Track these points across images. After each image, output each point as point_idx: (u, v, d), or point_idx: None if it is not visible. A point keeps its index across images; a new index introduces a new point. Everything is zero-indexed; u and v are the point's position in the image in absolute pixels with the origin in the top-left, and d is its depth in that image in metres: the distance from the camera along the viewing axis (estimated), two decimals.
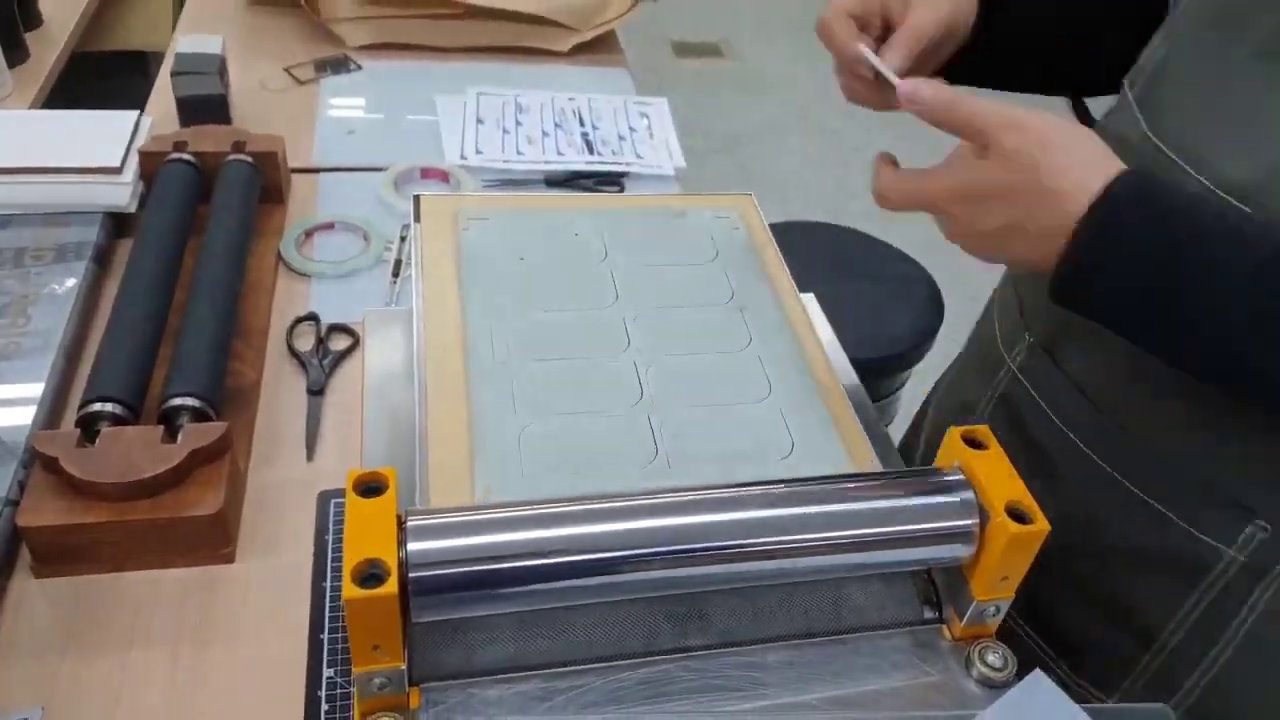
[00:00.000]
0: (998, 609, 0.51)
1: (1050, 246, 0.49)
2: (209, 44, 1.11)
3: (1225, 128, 0.52)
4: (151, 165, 0.92)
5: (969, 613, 0.51)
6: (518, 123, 1.18)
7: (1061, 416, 0.63)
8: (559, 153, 1.13)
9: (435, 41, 1.32)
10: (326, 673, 0.60)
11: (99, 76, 1.52)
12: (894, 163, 0.57)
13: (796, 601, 0.52)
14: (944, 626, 0.53)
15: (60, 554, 0.64)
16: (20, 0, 1.23)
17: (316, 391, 0.80)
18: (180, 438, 0.66)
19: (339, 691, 0.59)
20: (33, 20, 1.29)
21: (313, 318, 0.87)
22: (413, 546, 0.44)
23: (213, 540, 0.66)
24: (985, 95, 0.53)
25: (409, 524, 0.45)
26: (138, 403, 0.70)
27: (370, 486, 0.46)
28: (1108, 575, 0.63)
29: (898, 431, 0.96)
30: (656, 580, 0.47)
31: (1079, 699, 0.62)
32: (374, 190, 1.03)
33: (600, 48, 1.36)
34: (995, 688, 0.50)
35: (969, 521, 0.49)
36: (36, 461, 0.65)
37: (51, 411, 0.74)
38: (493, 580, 0.45)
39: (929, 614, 0.53)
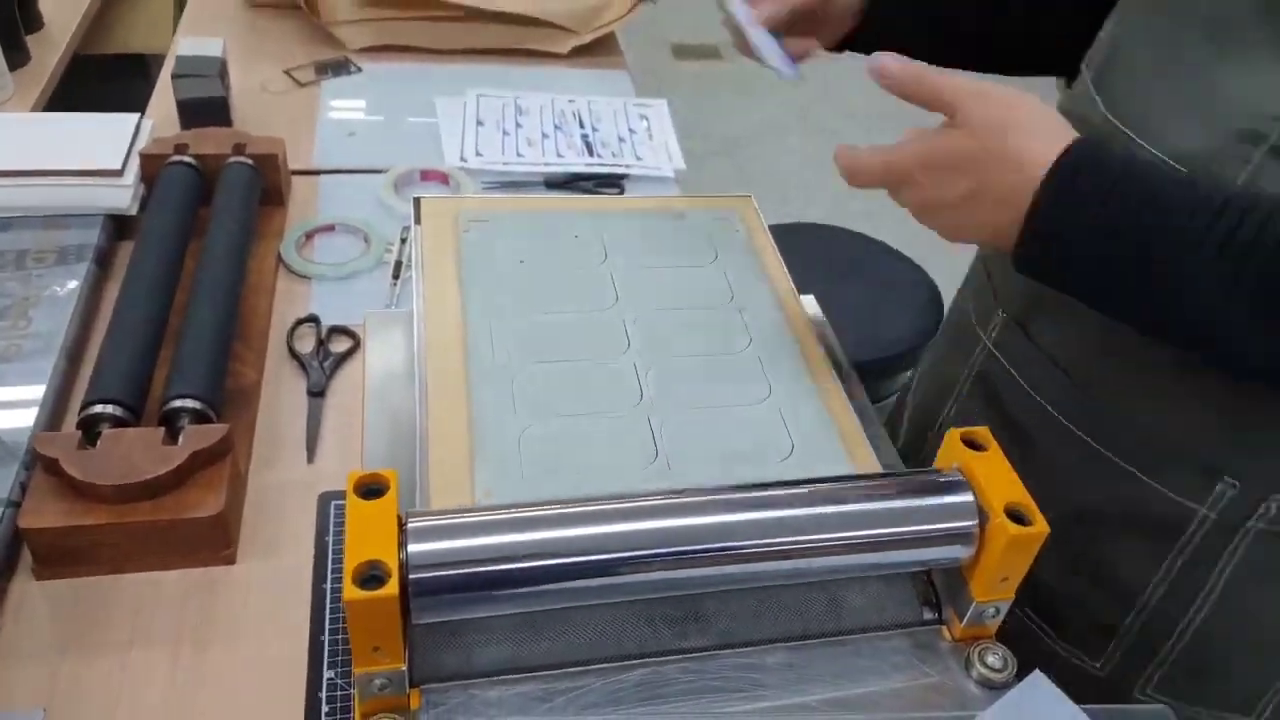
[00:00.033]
0: (997, 610, 0.52)
1: (1010, 215, 0.51)
2: (210, 46, 1.11)
3: (1178, 103, 0.54)
4: (152, 168, 0.92)
5: (969, 614, 0.51)
6: (518, 125, 1.18)
7: (1037, 389, 0.65)
8: (559, 155, 1.13)
9: (435, 44, 1.32)
10: (327, 674, 0.60)
11: (100, 79, 1.52)
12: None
13: (796, 603, 0.53)
14: (944, 627, 0.53)
15: (61, 555, 0.64)
16: (21, 3, 1.24)
17: (317, 393, 0.80)
18: (181, 439, 0.66)
19: (339, 693, 0.59)
20: (33, 23, 1.29)
21: (313, 319, 0.87)
22: (413, 548, 0.44)
23: (213, 542, 0.66)
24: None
25: (410, 525, 0.45)
26: (139, 404, 0.70)
27: (371, 488, 0.46)
28: (1088, 542, 0.64)
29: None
30: (656, 582, 0.48)
31: (1065, 665, 0.64)
32: (374, 192, 1.03)
33: (600, 50, 1.36)
34: (995, 689, 0.50)
35: (968, 523, 0.49)
36: (37, 463, 0.65)
37: (53, 413, 0.74)
38: (493, 582, 0.45)
39: (929, 615, 0.54)
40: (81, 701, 0.58)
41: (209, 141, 0.95)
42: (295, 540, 0.68)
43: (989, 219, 0.52)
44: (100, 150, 0.92)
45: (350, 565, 0.42)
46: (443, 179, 1.08)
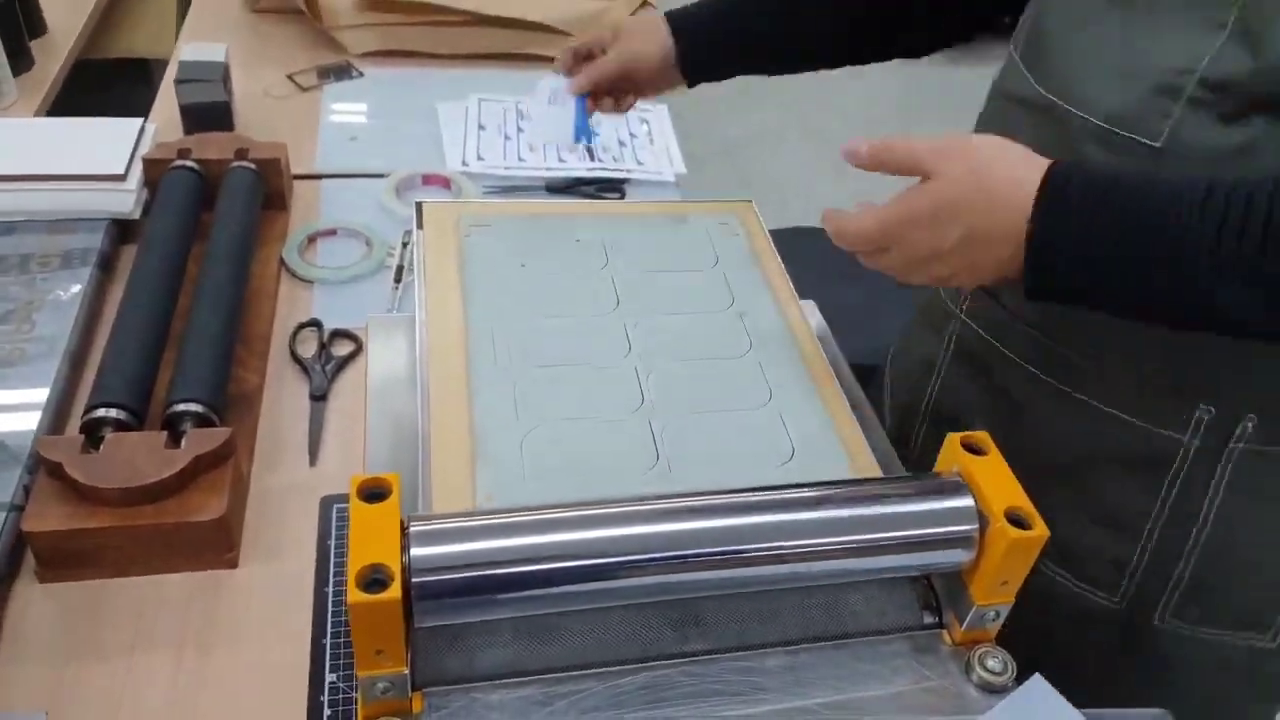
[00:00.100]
0: (997, 614, 0.52)
1: (1008, 249, 0.53)
2: (212, 52, 1.11)
3: (1099, 69, 0.58)
4: (155, 172, 0.93)
5: (969, 618, 0.51)
6: (519, 129, 1.18)
7: (1015, 351, 0.68)
8: (560, 159, 1.13)
9: (437, 49, 1.33)
10: (329, 677, 0.60)
11: (103, 84, 1.52)
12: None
13: (796, 606, 0.53)
14: (944, 631, 0.53)
15: (64, 559, 0.64)
16: (25, 8, 1.24)
17: (319, 397, 0.80)
18: (184, 443, 0.66)
19: (341, 696, 0.59)
20: (37, 28, 1.30)
21: (315, 324, 0.87)
22: (416, 552, 0.44)
23: (216, 545, 0.66)
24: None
25: (412, 529, 0.45)
26: (142, 408, 0.71)
27: (374, 492, 0.46)
28: (1088, 486, 0.67)
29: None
30: (657, 585, 0.48)
31: (1086, 604, 0.68)
32: (376, 196, 1.04)
33: None
34: (995, 692, 0.50)
35: (969, 527, 0.50)
36: (41, 467, 0.65)
37: (56, 417, 0.74)
38: (495, 585, 0.45)
39: (929, 619, 0.54)
40: (84, 704, 0.58)
41: (211, 146, 0.96)
42: (297, 544, 0.69)
43: (987, 257, 0.53)
44: (103, 155, 0.93)
45: (353, 569, 0.42)
46: (444, 183, 1.08)
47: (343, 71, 1.28)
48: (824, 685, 0.50)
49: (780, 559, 0.48)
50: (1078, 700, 0.62)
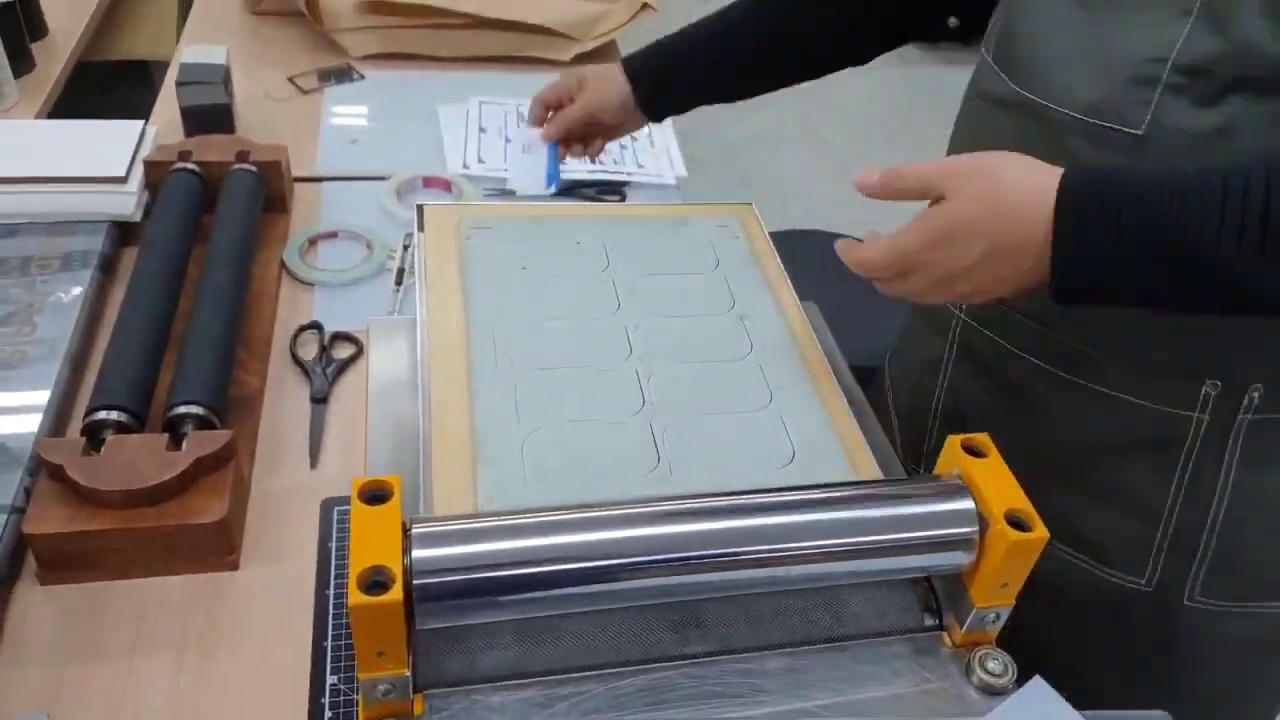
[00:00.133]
0: (998, 616, 0.52)
1: (1031, 260, 0.53)
2: (213, 54, 1.11)
3: (1074, 63, 0.60)
4: (156, 175, 0.93)
5: (969, 620, 0.51)
6: (520, 129, 1.18)
7: (1018, 345, 0.69)
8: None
9: (438, 51, 1.33)
10: (330, 680, 0.60)
11: (104, 86, 1.52)
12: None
13: (797, 608, 0.53)
14: (944, 633, 0.53)
15: (65, 561, 0.64)
16: (26, 10, 1.24)
17: (320, 400, 0.80)
18: (185, 445, 0.66)
19: (342, 698, 0.59)
20: (38, 30, 1.30)
21: (316, 326, 0.87)
22: (417, 554, 0.44)
23: (217, 547, 0.66)
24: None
25: (414, 531, 0.45)
26: (143, 411, 0.71)
27: (375, 494, 0.46)
28: (1105, 472, 0.68)
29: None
30: (658, 587, 0.48)
31: (1116, 591, 0.69)
32: (377, 199, 1.04)
33: (601, 57, 1.36)
34: (995, 694, 0.50)
35: (969, 529, 0.50)
36: (42, 469, 0.65)
37: (57, 419, 0.74)
38: (497, 587, 0.45)
39: (929, 621, 0.54)
40: (85, 706, 0.58)
41: (212, 148, 0.96)
42: (298, 546, 0.69)
43: (1010, 269, 0.54)
44: (105, 157, 0.93)
45: (355, 571, 0.42)
46: (445, 186, 1.09)
47: (343, 74, 1.28)
48: (824, 687, 0.50)
49: (781, 561, 0.49)
50: (1111, 693, 0.62)
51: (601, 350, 0.64)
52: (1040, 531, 0.48)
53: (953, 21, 3.27)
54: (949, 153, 0.73)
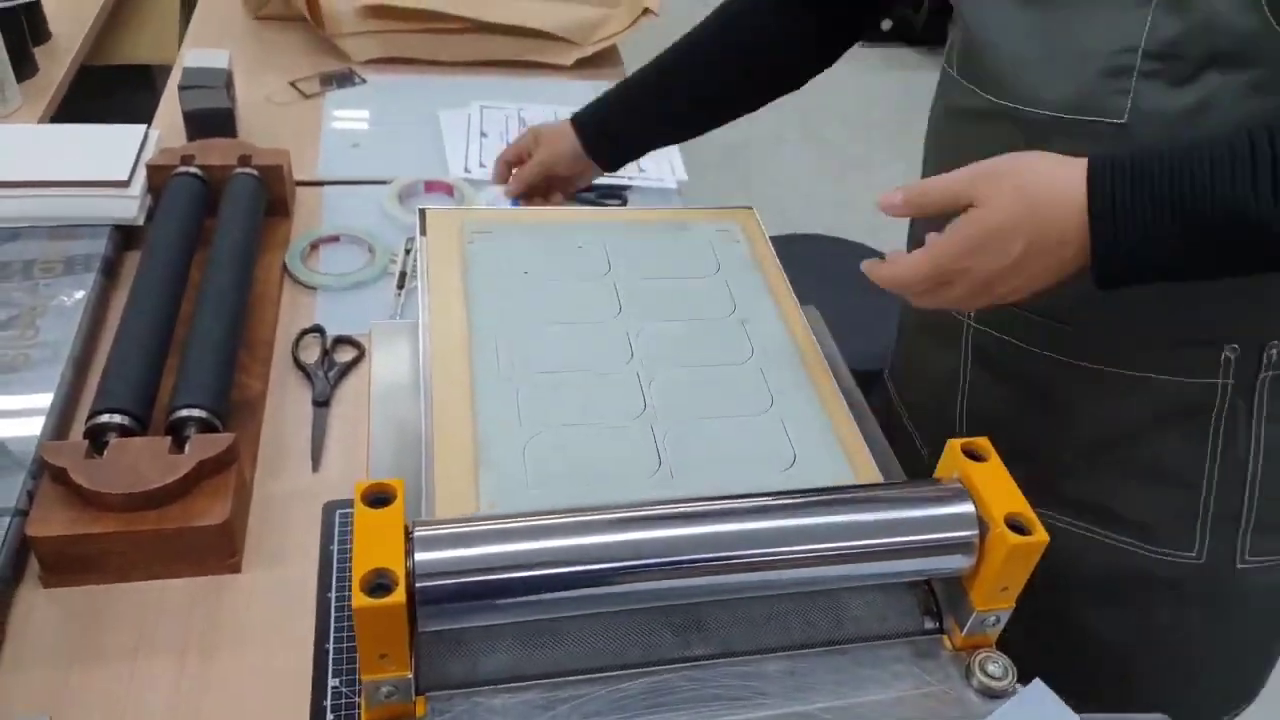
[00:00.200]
0: (998, 619, 0.52)
1: (1071, 249, 0.53)
2: (216, 58, 1.12)
3: (1044, 63, 0.61)
4: (159, 178, 0.93)
5: (969, 623, 0.51)
6: (521, 129, 1.18)
7: (1033, 344, 0.70)
8: None
9: (439, 56, 1.33)
10: (332, 682, 0.61)
11: (106, 91, 1.53)
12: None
13: (797, 611, 0.53)
14: (944, 636, 0.54)
15: (68, 564, 0.64)
16: (29, 15, 1.25)
17: (322, 403, 0.81)
18: (187, 448, 0.66)
19: (344, 701, 0.59)
20: (41, 35, 1.30)
21: (318, 330, 0.87)
22: (420, 556, 0.44)
23: (219, 550, 0.66)
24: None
25: (416, 534, 0.45)
26: (145, 414, 0.71)
27: (378, 497, 0.46)
28: (1137, 450, 0.69)
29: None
30: (659, 590, 0.48)
31: (1167, 572, 0.70)
32: (378, 203, 1.04)
33: (602, 62, 1.37)
34: (995, 697, 0.50)
35: (969, 533, 0.50)
36: (45, 472, 0.65)
37: (60, 422, 0.74)
38: (499, 590, 0.45)
39: (929, 624, 0.54)
40: (87, 708, 0.59)
41: (215, 152, 0.96)
42: (300, 549, 0.69)
43: (1053, 261, 0.54)
44: (107, 161, 0.93)
45: (358, 573, 0.43)
46: (447, 190, 1.09)
47: (345, 78, 1.28)
48: (824, 690, 0.50)
49: (781, 564, 0.49)
50: (1166, 679, 0.61)
51: (603, 354, 0.64)
52: (1040, 535, 0.48)
53: (886, 24, 3.31)
54: (925, 173, 0.74)
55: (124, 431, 0.68)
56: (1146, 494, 0.69)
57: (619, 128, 0.88)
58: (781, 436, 0.60)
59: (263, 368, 0.81)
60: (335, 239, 0.99)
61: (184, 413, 0.69)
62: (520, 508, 0.52)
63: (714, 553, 0.48)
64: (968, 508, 0.50)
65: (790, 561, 0.49)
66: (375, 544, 0.44)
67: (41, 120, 1.17)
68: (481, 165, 1.12)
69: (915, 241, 0.77)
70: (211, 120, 1.06)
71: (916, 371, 0.85)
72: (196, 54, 1.13)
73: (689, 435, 0.59)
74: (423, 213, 0.75)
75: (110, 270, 0.89)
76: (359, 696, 0.58)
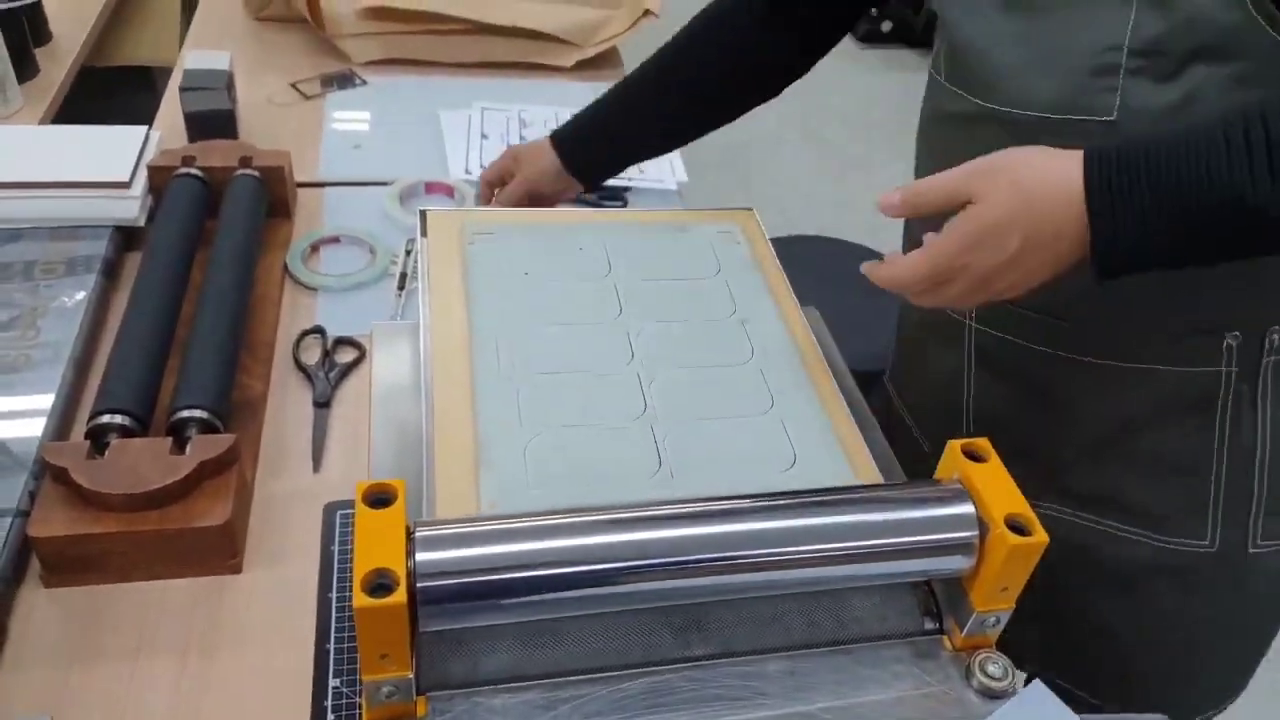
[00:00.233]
0: (998, 619, 0.52)
1: (1069, 242, 0.53)
2: (217, 60, 1.12)
3: (1033, 68, 0.61)
4: (160, 180, 0.93)
5: (969, 623, 0.52)
6: (521, 138, 1.19)
7: (1036, 342, 0.70)
8: None
9: (440, 57, 1.33)
10: (332, 682, 0.61)
11: (107, 92, 1.53)
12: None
13: (798, 611, 0.53)
14: (944, 637, 0.54)
15: (69, 564, 0.64)
16: (30, 17, 1.25)
17: (322, 404, 0.81)
18: (188, 449, 0.67)
19: (345, 701, 0.60)
20: (42, 36, 1.30)
21: (319, 331, 0.87)
22: (421, 557, 0.44)
23: (220, 551, 0.66)
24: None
25: (417, 534, 0.45)
26: (146, 414, 0.71)
27: (379, 497, 0.46)
28: (1146, 444, 0.69)
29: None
30: (660, 590, 0.48)
31: (1180, 561, 0.71)
32: (379, 204, 1.04)
33: (603, 63, 1.37)
34: (995, 698, 0.50)
35: (969, 534, 0.50)
36: (46, 472, 0.65)
37: (61, 423, 0.74)
38: (500, 590, 0.45)
39: (929, 624, 0.54)
40: (88, 708, 0.59)
41: (216, 154, 0.96)
42: (301, 550, 0.69)
43: (1050, 254, 0.54)
44: (108, 162, 0.93)
45: (359, 573, 0.43)
46: (447, 191, 1.09)
47: (346, 80, 1.28)
48: (825, 690, 0.50)
49: (782, 565, 0.49)
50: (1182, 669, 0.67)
51: (603, 355, 0.64)
52: (1040, 536, 0.48)
53: (886, 25, 3.32)
54: (917, 178, 0.74)
55: (125, 432, 0.69)
56: (1156, 485, 0.70)
57: (596, 145, 0.89)
58: (782, 437, 0.60)
59: (264, 368, 0.82)
60: (336, 240, 0.99)
61: (185, 413, 0.70)
62: (521, 508, 0.52)
63: (714, 553, 0.48)
64: (968, 508, 0.50)
65: (790, 562, 0.49)
66: (376, 544, 0.44)
67: (43, 121, 1.17)
68: (482, 166, 1.12)
69: (912, 242, 0.77)
70: (212, 121, 1.06)
71: (919, 373, 0.85)
72: (197, 55, 1.13)
73: (689, 436, 0.59)
74: (423, 214, 0.75)
75: (111, 271, 0.89)
76: (360, 697, 0.58)
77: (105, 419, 0.69)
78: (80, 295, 0.83)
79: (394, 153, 1.15)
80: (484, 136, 1.18)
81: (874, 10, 3.36)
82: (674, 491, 0.56)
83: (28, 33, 1.24)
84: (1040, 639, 0.76)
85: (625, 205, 1.11)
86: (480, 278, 0.69)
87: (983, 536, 0.50)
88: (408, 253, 0.97)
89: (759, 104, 0.87)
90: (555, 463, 0.57)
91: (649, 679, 0.50)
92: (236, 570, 0.67)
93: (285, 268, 0.94)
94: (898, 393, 0.89)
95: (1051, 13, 0.60)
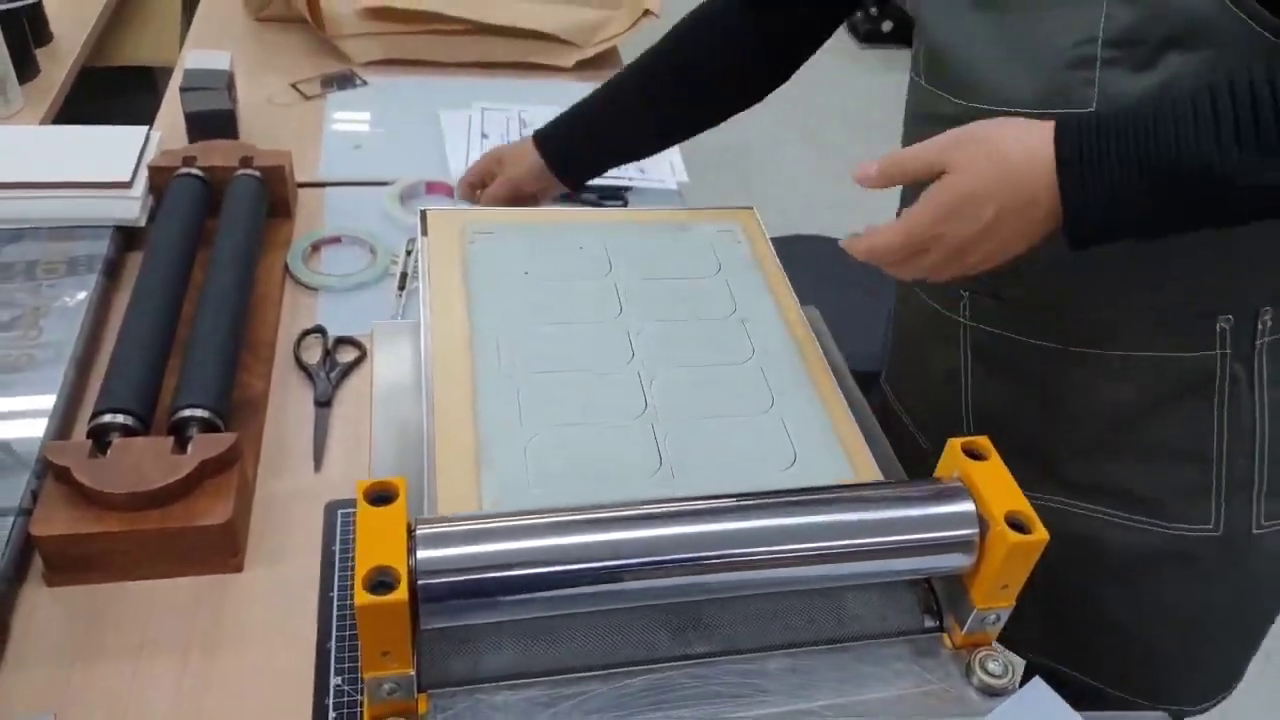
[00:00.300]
0: (998, 617, 0.52)
1: (1042, 211, 0.54)
2: (217, 60, 1.12)
3: (1010, 67, 0.62)
4: (161, 180, 0.94)
5: (969, 621, 0.52)
6: (521, 137, 1.18)
7: (1032, 336, 0.71)
8: None
9: (440, 57, 1.33)
10: (334, 681, 0.61)
11: (108, 92, 1.53)
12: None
13: (798, 609, 0.53)
14: (945, 635, 0.54)
15: (72, 563, 0.64)
16: (31, 17, 1.25)
17: (323, 403, 0.81)
18: (190, 448, 0.67)
19: (346, 699, 0.60)
20: (43, 37, 1.31)
21: (319, 330, 0.87)
22: (422, 554, 0.45)
23: (222, 549, 0.66)
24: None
25: (419, 532, 0.46)
26: (148, 414, 0.71)
27: (380, 495, 0.46)
28: (1147, 432, 0.69)
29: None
30: (661, 588, 0.48)
31: (1190, 544, 0.71)
32: (380, 204, 1.04)
33: (603, 63, 1.37)
34: (995, 695, 0.50)
35: (969, 531, 0.50)
36: (49, 472, 0.66)
37: (63, 422, 0.74)
38: (501, 587, 0.46)
39: (930, 622, 0.54)
40: (90, 707, 0.59)
41: (216, 154, 0.96)
42: (302, 549, 0.69)
43: (1023, 224, 0.55)
44: (109, 162, 0.93)
45: (360, 571, 0.43)
46: (448, 191, 1.09)
47: (346, 80, 1.29)
48: (825, 688, 0.51)
49: (782, 563, 0.49)
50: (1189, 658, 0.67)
51: (604, 354, 0.64)
52: (1040, 533, 0.48)
53: (887, 25, 3.32)
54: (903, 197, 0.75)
55: (127, 431, 0.69)
56: (1157, 471, 0.70)
57: (579, 145, 0.90)
58: (782, 436, 0.60)
59: (265, 368, 0.82)
60: (337, 240, 1.00)
61: (186, 413, 0.70)
62: (522, 507, 0.52)
63: (714, 551, 0.48)
64: (968, 506, 0.50)
65: (791, 560, 0.49)
66: (378, 542, 0.44)
67: (43, 122, 1.18)
68: None
69: None
70: (213, 121, 1.06)
71: (916, 373, 0.85)
72: (198, 55, 1.13)
73: (690, 435, 0.59)
74: (424, 213, 0.75)
75: (112, 271, 0.89)
76: (361, 695, 0.58)
77: (107, 418, 0.69)
78: (82, 295, 0.83)
79: (394, 153, 1.15)
80: (484, 136, 1.18)
81: (874, 10, 3.36)
82: (674, 490, 0.56)
83: (28, 33, 1.24)
84: (1041, 628, 0.76)
85: (625, 205, 1.11)
86: (481, 277, 0.70)
87: (983, 534, 0.50)
88: (408, 252, 0.97)
89: (743, 108, 0.87)
90: (556, 461, 0.57)
91: (650, 676, 0.50)
92: (238, 569, 0.67)
93: (286, 267, 0.94)
94: (894, 393, 0.89)
95: (1025, 9, 0.60)
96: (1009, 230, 0.55)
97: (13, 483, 0.67)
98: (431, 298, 0.67)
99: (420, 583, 0.44)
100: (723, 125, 0.89)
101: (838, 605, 0.54)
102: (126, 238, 0.93)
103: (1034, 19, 0.60)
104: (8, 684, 0.59)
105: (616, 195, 1.12)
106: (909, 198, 0.76)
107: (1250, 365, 0.66)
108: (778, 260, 0.75)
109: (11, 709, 0.58)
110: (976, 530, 0.50)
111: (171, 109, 1.14)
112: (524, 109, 1.24)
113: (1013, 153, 0.54)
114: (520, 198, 0.92)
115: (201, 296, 0.81)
